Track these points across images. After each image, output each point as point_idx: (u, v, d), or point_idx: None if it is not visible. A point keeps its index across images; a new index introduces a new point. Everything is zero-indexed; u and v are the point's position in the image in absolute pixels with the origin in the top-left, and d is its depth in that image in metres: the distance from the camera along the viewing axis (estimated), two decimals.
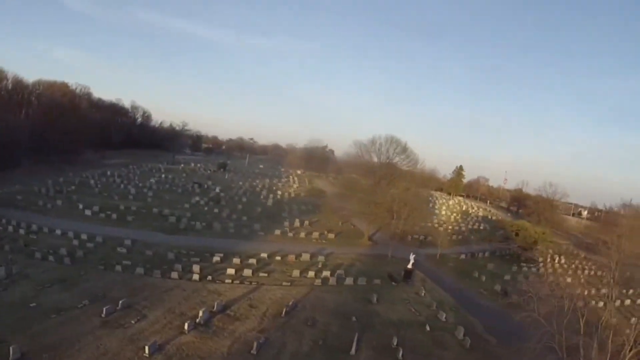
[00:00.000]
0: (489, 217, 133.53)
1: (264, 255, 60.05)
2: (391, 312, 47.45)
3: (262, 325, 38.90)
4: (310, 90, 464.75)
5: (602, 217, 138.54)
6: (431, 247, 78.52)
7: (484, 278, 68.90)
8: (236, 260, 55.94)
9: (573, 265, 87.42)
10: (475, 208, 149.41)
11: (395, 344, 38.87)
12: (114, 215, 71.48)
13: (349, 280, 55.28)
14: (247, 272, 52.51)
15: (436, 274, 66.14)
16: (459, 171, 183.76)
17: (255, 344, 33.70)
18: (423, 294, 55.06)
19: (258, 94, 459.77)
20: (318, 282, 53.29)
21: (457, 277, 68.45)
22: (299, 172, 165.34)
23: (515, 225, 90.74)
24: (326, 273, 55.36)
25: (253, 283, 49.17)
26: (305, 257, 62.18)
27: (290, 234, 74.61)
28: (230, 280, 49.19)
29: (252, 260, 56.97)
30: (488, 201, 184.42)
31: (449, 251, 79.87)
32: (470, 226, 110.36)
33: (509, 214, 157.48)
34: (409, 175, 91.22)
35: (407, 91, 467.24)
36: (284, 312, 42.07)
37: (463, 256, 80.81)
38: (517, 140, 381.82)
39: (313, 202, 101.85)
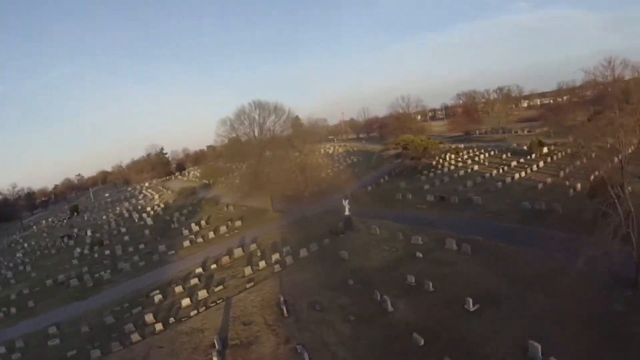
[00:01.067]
0: (353, 149, 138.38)
1: (198, 270, 53.85)
2: (372, 261, 45.21)
3: (284, 337, 32.67)
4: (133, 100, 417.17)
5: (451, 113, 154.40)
6: (334, 194, 77.47)
7: (410, 196, 69.77)
8: (178, 289, 48.22)
9: (471, 155, 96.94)
10: (333, 149, 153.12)
11: (413, 281, 37.17)
12: (12, 309, 56.26)
13: (303, 252, 50.13)
14: (202, 293, 45.07)
15: (365, 212, 64.60)
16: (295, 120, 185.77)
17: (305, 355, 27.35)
18: (378, 232, 52.80)
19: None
20: (277, 267, 47.96)
21: (385, 206, 68.99)
22: (147, 184, 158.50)
23: (402, 140, 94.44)
24: (275, 256, 51.02)
25: (219, 301, 41.81)
26: (238, 252, 57.19)
27: (199, 239, 69.56)
28: (195, 312, 40.87)
29: (194, 281, 50.32)
30: (335, 139, 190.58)
31: (352, 189, 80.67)
32: (347, 162, 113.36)
33: (364, 141, 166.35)
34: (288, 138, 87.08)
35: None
36: (285, 312, 36.26)
37: (370, 188, 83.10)
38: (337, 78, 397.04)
39: (190, 204, 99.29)
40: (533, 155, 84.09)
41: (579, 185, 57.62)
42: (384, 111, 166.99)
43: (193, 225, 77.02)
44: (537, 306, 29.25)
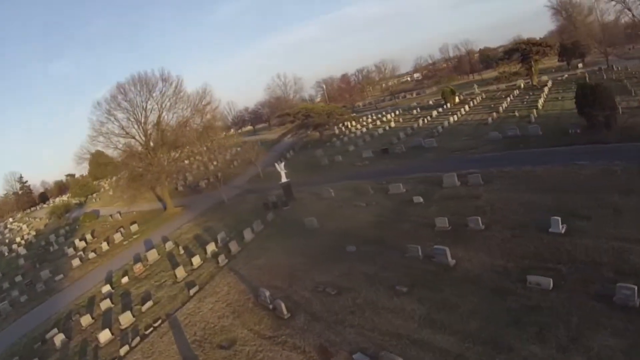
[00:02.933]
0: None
1: (105, 289, 39.15)
2: (356, 221, 34.84)
3: (310, 347, 19.72)
4: None
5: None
6: (241, 177, 71.09)
7: (339, 158, 61.04)
8: (86, 320, 33.49)
9: (374, 119, 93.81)
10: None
11: (447, 224, 28.20)
12: None
13: (247, 235, 38.37)
14: (125, 318, 30.48)
15: (295, 183, 53.55)
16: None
17: None
18: (333, 194, 42.49)
19: None
20: (222, 259, 34.99)
21: (314, 173, 59.43)
22: (10, 219, 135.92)
23: (304, 109, 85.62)
24: (210, 247, 39.20)
25: (160, 323, 27.38)
26: (152, 255, 44.04)
27: (91, 254, 54.88)
28: (126, 348, 25.80)
29: (105, 304, 35.42)
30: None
31: (250, 169, 71.89)
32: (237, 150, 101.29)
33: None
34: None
35: None
36: (283, 310, 22.94)
37: (279, 163, 70.77)
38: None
39: (66, 224, 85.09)
40: (448, 105, 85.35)
41: (534, 112, 56.42)
42: (259, 97, 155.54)
43: (77, 241, 63.63)
44: None
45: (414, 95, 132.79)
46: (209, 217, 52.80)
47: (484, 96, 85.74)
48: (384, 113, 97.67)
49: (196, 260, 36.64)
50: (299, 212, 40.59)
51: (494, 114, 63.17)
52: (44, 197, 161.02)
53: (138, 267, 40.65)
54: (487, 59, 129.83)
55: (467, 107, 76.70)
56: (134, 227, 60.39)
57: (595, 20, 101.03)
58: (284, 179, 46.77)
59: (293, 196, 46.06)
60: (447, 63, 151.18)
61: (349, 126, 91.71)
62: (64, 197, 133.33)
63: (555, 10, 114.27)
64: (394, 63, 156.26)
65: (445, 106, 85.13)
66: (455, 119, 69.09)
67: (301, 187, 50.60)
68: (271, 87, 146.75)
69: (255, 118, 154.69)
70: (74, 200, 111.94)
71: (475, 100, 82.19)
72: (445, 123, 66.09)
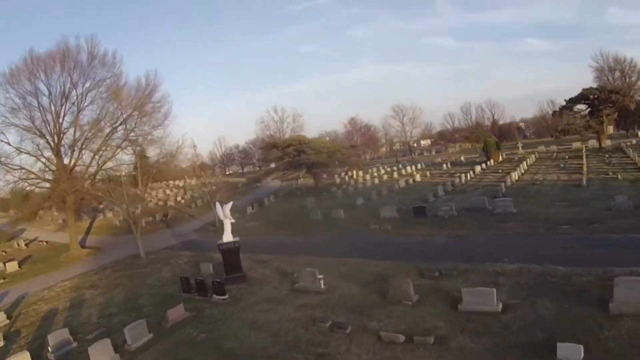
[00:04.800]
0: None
1: None
2: None
3: None
4: None
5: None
6: (194, 222, 50.84)
7: (342, 213, 37.81)
8: None
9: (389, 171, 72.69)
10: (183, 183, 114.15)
11: None
12: None
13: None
14: None
15: (255, 244, 30.27)
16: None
17: None
18: (323, 286, 18.40)
19: None
20: None
21: (296, 232, 35.78)
22: None
23: (297, 141, 64.56)
24: None
25: None
26: None
27: None
28: None
29: None
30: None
31: (213, 215, 47.73)
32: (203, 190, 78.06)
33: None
34: None
35: None
36: None
37: (250, 210, 52.09)
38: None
39: None
40: (492, 162, 65.96)
41: None
42: (250, 135, 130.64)
43: None
44: None
45: (433, 152, 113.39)
46: (102, 278, 30.93)
47: (537, 156, 66.03)
48: (400, 166, 76.97)
49: None
50: (236, 322, 17.04)
51: (583, 175, 42.39)
52: None
53: None
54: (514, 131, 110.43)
55: (524, 165, 56.62)
56: (12, 266, 40.19)
57: None
58: (227, 237, 23.35)
59: (241, 273, 22.36)
60: (469, 123, 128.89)
61: (355, 175, 69.19)
62: None
63: (601, 71, 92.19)
64: (415, 111, 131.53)
65: (488, 162, 65.19)
66: (516, 177, 48.34)
67: (267, 252, 27.60)
68: (265, 121, 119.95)
69: (245, 158, 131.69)
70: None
71: (529, 160, 62.20)
72: (507, 181, 44.58)
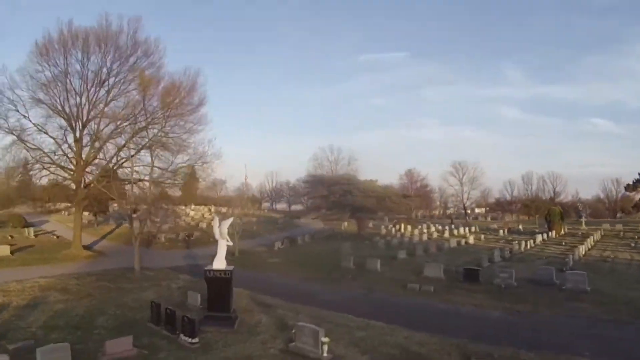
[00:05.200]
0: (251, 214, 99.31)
1: None
2: None
3: None
4: None
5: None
6: (204, 246, 47.40)
7: (377, 266, 32.79)
8: None
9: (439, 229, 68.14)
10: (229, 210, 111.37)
11: None
12: None
13: None
14: None
15: (271, 284, 26.39)
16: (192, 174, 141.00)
17: None
18: (325, 352, 13.65)
19: None
20: None
21: (319, 279, 30.80)
22: None
23: (345, 181, 60.84)
24: None
25: None
26: None
27: None
28: None
29: None
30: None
31: (240, 245, 44.46)
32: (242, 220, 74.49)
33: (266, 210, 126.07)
34: None
35: None
36: None
37: (279, 246, 48.02)
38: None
39: None
40: (554, 233, 60.25)
41: None
42: (301, 173, 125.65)
43: None
44: None
45: (489, 218, 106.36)
46: (80, 284, 26.90)
47: (602, 233, 60.25)
48: (453, 226, 71.54)
49: None
50: None
51: None
52: None
53: None
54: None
55: (590, 240, 51.35)
56: (3, 250, 37.22)
57: None
58: (218, 263, 18.40)
59: (229, 313, 17.56)
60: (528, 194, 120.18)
61: (403, 228, 63.91)
62: None
63: None
64: (475, 171, 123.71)
65: (550, 233, 59.25)
66: (582, 252, 42.15)
67: (276, 295, 23.11)
68: (318, 158, 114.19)
69: (293, 196, 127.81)
70: None
71: (595, 235, 56.23)
72: (575, 255, 38.32)
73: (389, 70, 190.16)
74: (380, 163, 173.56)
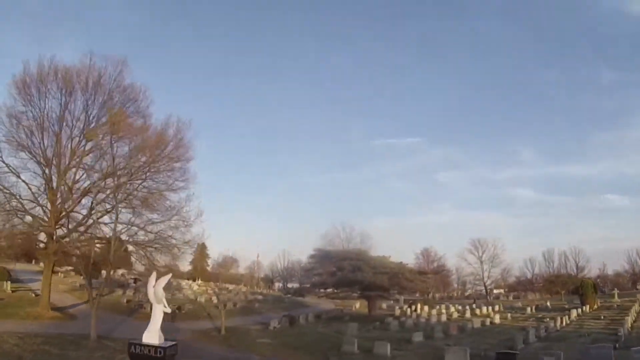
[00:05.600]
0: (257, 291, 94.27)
1: None
2: None
3: None
4: None
5: None
6: (192, 320, 42.66)
7: (387, 351, 27.06)
8: None
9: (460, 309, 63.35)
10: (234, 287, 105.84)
11: None
12: None
13: None
14: None
15: None
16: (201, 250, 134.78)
17: None
18: None
19: None
20: None
21: None
22: None
23: (355, 255, 55.14)
24: None
25: None
26: None
27: None
28: None
29: None
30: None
31: (229, 323, 39.66)
32: (247, 298, 68.91)
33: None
34: None
35: None
36: None
37: (274, 325, 40.81)
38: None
39: None
40: (587, 308, 56.06)
41: None
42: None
43: None
44: None
45: (511, 297, 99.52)
46: (17, 344, 22.28)
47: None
48: (475, 306, 66.48)
49: None
50: None
51: None
52: None
53: None
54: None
55: (633, 312, 47.11)
56: None
57: None
58: (149, 335, 14.20)
59: None
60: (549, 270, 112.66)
61: (419, 309, 57.97)
62: None
63: None
64: (495, 248, 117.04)
65: (584, 308, 55.14)
66: (628, 324, 37.77)
67: None
68: (329, 236, 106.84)
69: (304, 275, 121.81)
70: None
71: (635, 307, 51.53)
72: (624, 328, 32.48)
73: (404, 154, 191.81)
74: (394, 243, 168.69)
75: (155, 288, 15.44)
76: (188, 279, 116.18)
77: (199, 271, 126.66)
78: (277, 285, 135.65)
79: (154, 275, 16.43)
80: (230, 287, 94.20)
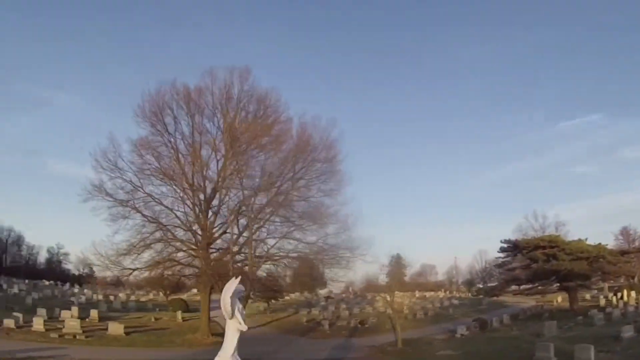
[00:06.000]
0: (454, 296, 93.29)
1: None
2: None
3: None
4: None
5: None
6: (373, 334, 42.79)
7: None
8: None
9: None
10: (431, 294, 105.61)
11: None
12: None
13: None
14: None
15: None
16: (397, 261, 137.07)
17: None
18: None
19: None
20: None
21: None
22: None
23: (547, 242, 51.44)
24: None
25: None
26: None
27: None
28: None
29: None
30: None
31: (416, 334, 40.74)
32: (442, 304, 69.42)
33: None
34: None
35: None
36: None
37: (461, 332, 39.50)
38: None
39: None
40: None
41: None
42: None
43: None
44: None
45: None
46: None
47: None
48: None
49: None
50: None
51: None
52: None
53: None
54: None
55: None
56: (117, 329, 34.85)
57: None
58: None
59: None
60: None
61: (626, 295, 51.86)
62: None
63: None
64: None
65: None
66: None
67: None
68: (523, 229, 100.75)
69: (503, 274, 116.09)
70: None
71: None
72: None
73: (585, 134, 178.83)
74: (589, 226, 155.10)
75: (223, 297, 11.74)
76: (384, 293, 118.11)
77: (395, 282, 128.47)
78: (478, 287, 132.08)
79: (232, 281, 12.11)
80: (428, 294, 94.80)
